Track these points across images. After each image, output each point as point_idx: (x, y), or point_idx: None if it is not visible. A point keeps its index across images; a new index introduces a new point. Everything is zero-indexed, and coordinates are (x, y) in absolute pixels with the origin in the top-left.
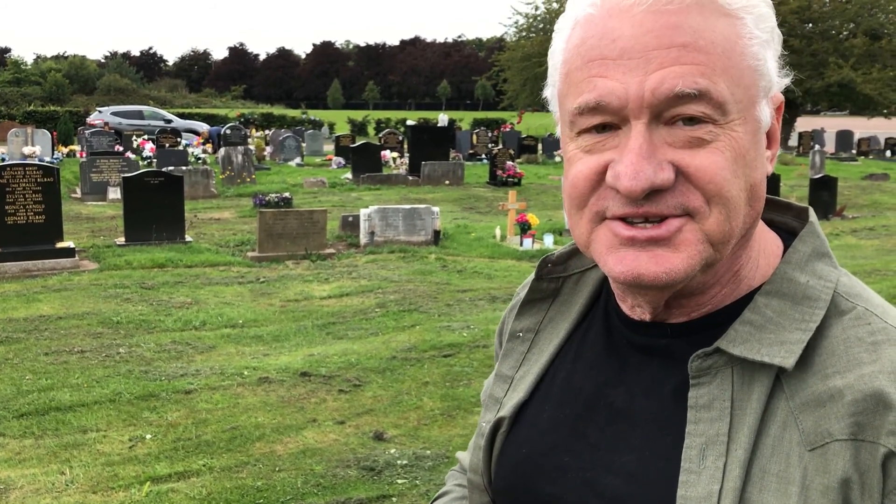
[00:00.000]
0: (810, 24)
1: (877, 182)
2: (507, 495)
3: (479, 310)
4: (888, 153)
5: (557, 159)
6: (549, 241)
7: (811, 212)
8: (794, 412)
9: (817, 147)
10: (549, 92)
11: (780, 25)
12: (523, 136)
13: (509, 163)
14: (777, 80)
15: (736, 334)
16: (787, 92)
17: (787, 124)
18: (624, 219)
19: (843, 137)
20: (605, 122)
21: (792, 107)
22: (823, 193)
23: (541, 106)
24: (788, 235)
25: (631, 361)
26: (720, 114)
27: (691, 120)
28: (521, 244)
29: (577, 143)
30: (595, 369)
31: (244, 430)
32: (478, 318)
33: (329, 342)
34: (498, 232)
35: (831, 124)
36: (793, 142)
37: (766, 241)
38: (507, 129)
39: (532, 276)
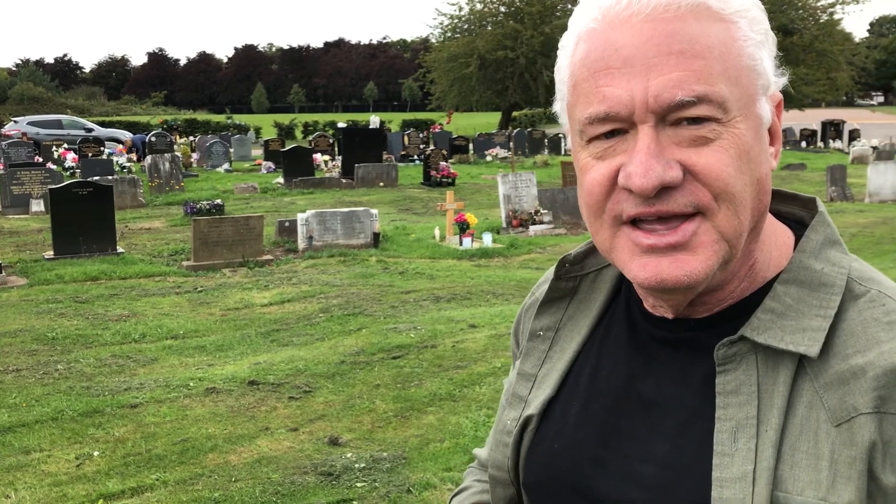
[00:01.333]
0: None
1: (795, 172)
2: (541, 490)
3: (424, 310)
4: (804, 144)
5: (489, 159)
6: (488, 239)
7: (818, 201)
8: (819, 392)
9: None
10: (559, 106)
11: None
12: (454, 136)
13: (443, 163)
14: (774, 79)
15: (759, 322)
16: None
17: None
18: (640, 222)
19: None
20: (614, 128)
21: None
22: None
23: (469, 106)
24: (797, 225)
25: (657, 355)
26: (722, 112)
27: (695, 120)
28: (461, 244)
29: (588, 150)
30: (622, 364)
31: (195, 442)
32: (424, 318)
33: (274, 349)
34: (437, 232)
35: None
36: None
37: (777, 233)
38: (438, 130)
39: (548, 274)
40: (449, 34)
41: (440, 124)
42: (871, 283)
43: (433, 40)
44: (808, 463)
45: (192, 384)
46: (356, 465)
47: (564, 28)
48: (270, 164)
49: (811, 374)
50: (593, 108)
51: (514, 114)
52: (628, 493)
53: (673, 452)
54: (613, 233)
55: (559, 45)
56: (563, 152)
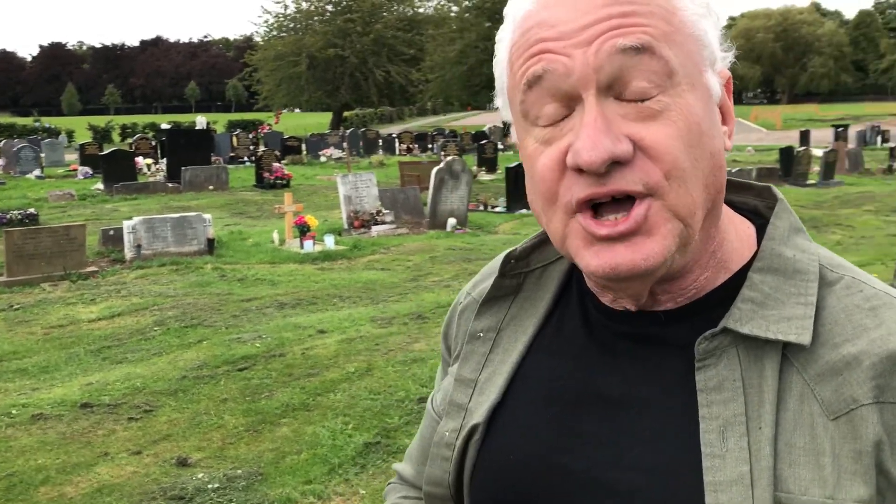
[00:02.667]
0: None
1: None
2: None
3: (268, 318)
4: None
5: (323, 159)
6: (330, 241)
7: (774, 189)
8: (810, 384)
9: None
10: (500, 101)
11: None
12: (286, 136)
13: (276, 164)
14: (721, 54)
15: (741, 313)
16: None
17: None
18: (592, 204)
19: None
20: (558, 109)
21: None
22: None
23: (299, 106)
24: (753, 215)
25: (622, 351)
26: (667, 77)
27: (642, 97)
28: (303, 247)
29: (533, 135)
30: (580, 363)
31: (24, 476)
32: (269, 326)
33: (107, 368)
34: (276, 236)
35: None
36: None
37: (736, 224)
38: (267, 131)
39: (484, 273)
40: (275, 33)
41: (269, 125)
42: (841, 269)
43: (258, 39)
44: (808, 460)
45: (14, 412)
46: (209, 486)
47: (395, 27)
48: (87, 169)
49: (798, 365)
50: (531, 70)
51: (346, 114)
52: (603, 502)
53: (653, 456)
54: (566, 221)
55: (496, 38)
56: (397, 152)
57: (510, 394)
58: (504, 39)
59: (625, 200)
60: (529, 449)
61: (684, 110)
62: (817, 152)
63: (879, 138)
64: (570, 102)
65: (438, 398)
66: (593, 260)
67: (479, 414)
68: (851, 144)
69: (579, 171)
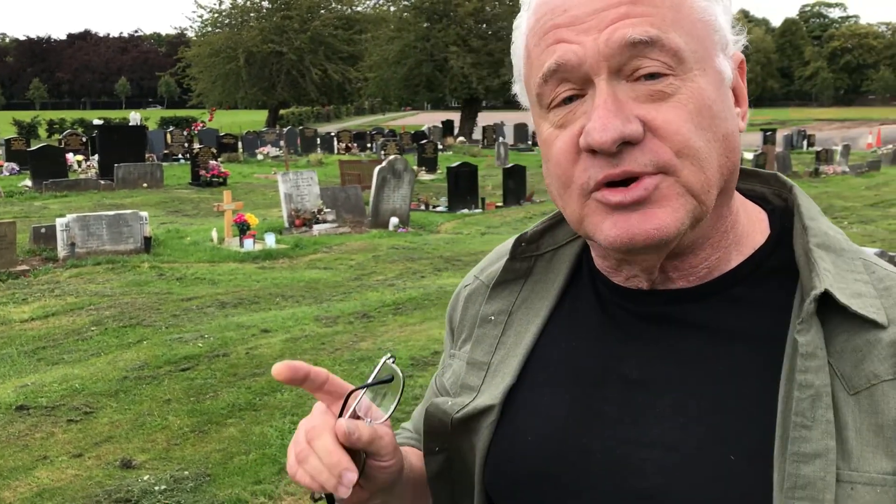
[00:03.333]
0: (485, 25)
1: None
2: (514, 490)
3: (209, 318)
4: None
5: (260, 157)
6: (271, 240)
7: (782, 176)
8: (830, 360)
9: (501, 139)
10: (518, 87)
11: (461, 26)
12: (222, 133)
13: (212, 162)
14: (732, 37)
15: (831, 280)
16: (470, 90)
17: (471, 119)
18: (607, 185)
19: (520, 130)
20: (571, 91)
21: (474, 102)
22: (513, 181)
23: (234, 103)
24: (762, 202)
25: (637, 331)
26: (677, 62)
27: (652, 76)
28: (242, 245)
29: (548, 120)
30: (597, 344)
31: None
32: (210, 326)
33: (43, 369)
34: (215, 235)
35: (510, 118)
36: (477, 135)
37: (748, 208)
38: (200, 128)
39: (491, 257)
40: (209, 28)
41: (202, 122)
42: (857, 251)
43: (192, 34)
44: (834, 433)
45: None
46: (156, 488)
47: (333, 24)
48: (14, 165)
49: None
50: (546, 64)
51: (282, 112)
52: (628, 482)
53: (677, 434)
54: (583, 202)
55: (513, 26)
56: (336, 151)
57: (525, 376)
58: (521, 27)
59: (635, 181)
60: (547, 430)
61: (695, 93)
62: (747, 155)
63: (805, 142)
64: (584, 85)
65: (447, 379)
66: (611, 231)
67: (491, 395)
68: (779, 148)
69: (593, 152)
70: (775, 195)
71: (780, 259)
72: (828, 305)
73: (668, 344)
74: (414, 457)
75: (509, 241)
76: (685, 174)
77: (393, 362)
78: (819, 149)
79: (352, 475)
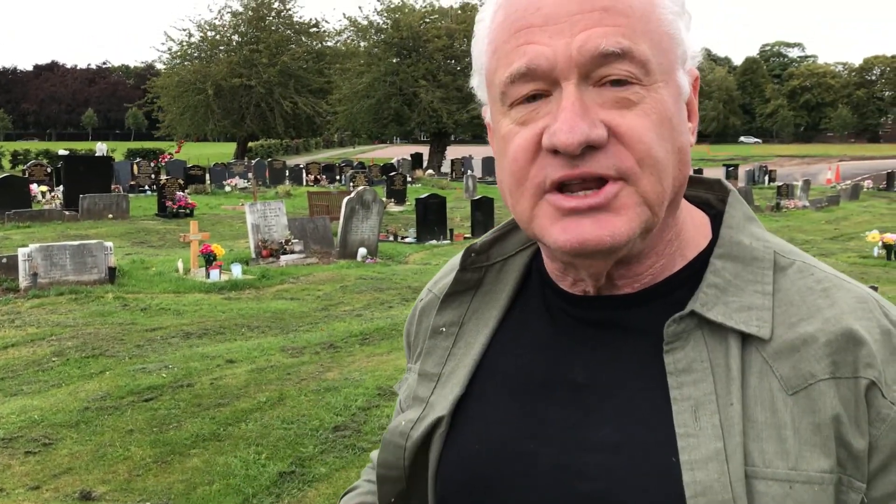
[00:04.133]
0: (453, 61)
1: None
2: (463, 498)
3: (174, 348)
4: None
5: (228, 189)
6: (237, 271)
7: (725, 182)
8: (769, 361)
9: (469, 172)
10: (476, 80)
11: (430, 61)
12: (190, 165)
13: (179, 193)
14: (692, 53)
15: (706, 297)
16: (439, 123)
17: (439, 152)
18: (563, 187)
19: (489, 163)
20: (537, 89)
21: (443, 136)
22: (481, 213)
23: (203, 135)
24: (706, 207)
25: (583, 337)
26: (644, 73)
27: (618, 82)
28: (209, 276)
29: (510, 117)
30: (544, 351)
31: None
32: (175, 356)
33: (1, 400)
34: (181, 265)
35: (478, 151)
36: (446, 168)
37: (693, 214)
38: (168, 159)
39: (445, 270)
40: (178, 60)
41: (170, 153)
42: (792, 254)
43: (161, 66)
44: (771, 434)
45: None
46: None
47: (302, 59)
48: None
49: (757, 344)
50: (514, 65)
51: (251, 144)
52: (572, 486)
53: (620, 436)
54: (534, 202)
55: (476, 19)
56: (304, 183)
57: (474, 386)
58: (485, 20)
59: (593, 183)
60: (495, 438)
61: (658, 104)
62: None
63: (767, 178)
64: (550, 86)
65: (402, 395)
66: (561, 235)
67: (442, 407)
68: (741, 183)
69: (554, 152)
70: (719, 201)
71: None
72: None
73: (612, 348)
74: None
75: (460, 254)
76: (644, 184)
77: None
78: (780, 184)
79: None
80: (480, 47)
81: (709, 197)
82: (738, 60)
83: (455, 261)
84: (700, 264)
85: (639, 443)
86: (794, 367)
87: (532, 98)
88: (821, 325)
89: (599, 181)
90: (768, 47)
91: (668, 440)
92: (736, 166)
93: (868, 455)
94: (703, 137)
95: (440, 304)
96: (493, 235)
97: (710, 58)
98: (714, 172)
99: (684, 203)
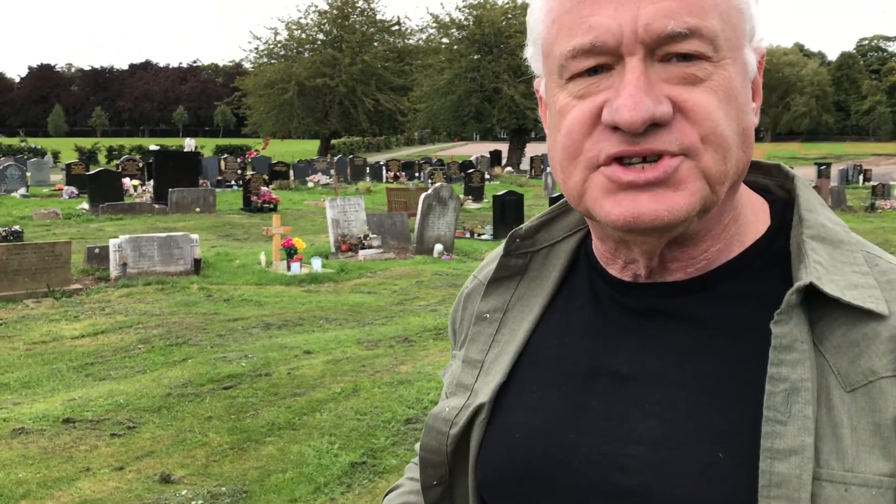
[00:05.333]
0: None
1: None
2: (503, 487)
3: (254, 338)
4: None
5: (310, 185)
6: (317, 264)
7: (785, 167)
8: (826, 355)
9: (548, 169)
10: (531, 50)
11: (513, 57)
12: (274, 161)
13: (264, 188)
14: (760, 28)
15: (818, 273)
16: (520, 119)
17: (519, 149)
18: (620, 160)
19: None
20: (599, 63)
21: (523, 133)
22: None
23: (288, 133)
24: (765, 193)
25: (630, 326)
26: (713, 49)
27: (685, 57)
28: (289, 269)
29: (567, 90)
30: (589, 340)
31: (4, 489)
32: (254, 346)
33: (90, 384)
34: (263, 258)
35: None
36: (525, 165)
37: (752, 199)
38: (254, 156)
39: (492, 256)
40: (264, 60)
41: (256, 150)
42: (860, 244)
43: (248, 65)
44: (826, 432)
45: None
46: (193, 503)
47: (384, 57)
48: (73, 188)
49: (815, 334)
50: (578, 40)
51: (334, 141)
52: (613, 479)
53: (663, 430)
54: (586, 175)
55: None
56: (384, 180)
57: (516, 373)
58: None
59: (653, 158)
60: (536, 426)
61: (725, 81)
62: None
63: (861, 177)
64: (613, 60)
65: (446, 381)
66: (614, 209)
67: (484, 394)
68: (834, 182)
69: (614, 128)
70: (778, 186)
71: (778, 251)
72: (823, 300)
73: (661, 338)
74: None
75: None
76: (706, 159)
77: None
78: (875, 183)
79: None
80: (537, 15)
81: (767, 182)
82: (832, 55)
83: (501, 247)
84: (757, 251)
85: (683, 438)
86: (853, 362)
87: (592, 71)
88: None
89: (658, 155)
90: (866, 41)
91: (715, 435)
92: (829, 165)
93: None
94: (794, 135)
95: (485, 290)
96: (539, 220)
97: (803, 52)
98: (805, 171)
99: (743, 187)
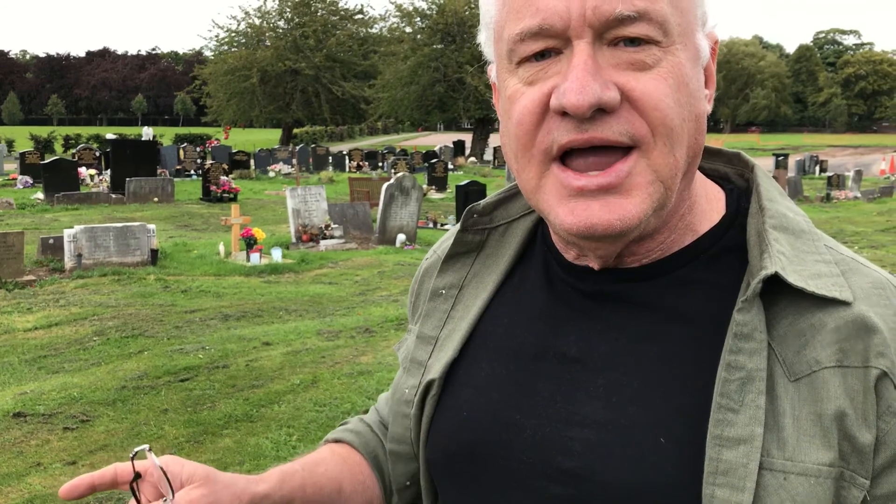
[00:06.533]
0: None
1: None
2: (449, 465)
3: (212, 330)
4: None
5: (272, 174)
6: (277, 255)
7: (745, 155)
8: (772, 344)
9: None
10: (483, 35)
11: (477, 46)
12: (235, 150)
13: (224, 178)
14: (713, 14)
15: (783, 263)
16: (484, 109)
17: (482, 139)
18: (571, 159)
19: None
20: (547, 47)
21: (487, 123)
22: None
23: (249, 121)
24: (723, 182)
25: (581, 309)
26: (662, 34)
27: (634, 41)
28: (248, 259)
29: (517, 75)
30: (539, 320)
31: None
32: (212, 338)
33: (43, 377)
34: (222, 248)
35: None
36: (488, 156)
37: (707, 187)
38: (215, 145)
39: (451, 231)
40: (226, 47)
41: (217, 139)
42: (818, 236)
43: (209, 53)
44: (770, 421)
45: None
46: None
47: (346, 44)
48: (28, 178)
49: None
50: (525, 22)
51: (296, 131)
52: (555, 461)
53: (607, 413)
54: (542, 171)
55: None
56: (347, 169)
57: (468, 350)
58: None
59: (604, 155)
60: (482, 405)
61: (675, 68)
62: None
63: (818, 168)
64: (562, 44)
65: (401, 356)
66: (568, 217)
67: (436, 370)
68: (791, 173)
69: (562, 114)
70: (738, 175)
71: (733, 240)
72: (776, 289)
73: (610, 322)
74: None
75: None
76: (656, 155)
77: (149, 450)
78: (831, 174)
79: None
80: (488, 1)
81: (728, 171)
82: (790, 48)
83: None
84: (711, 239)
85: (626, 421)
86: (799, 352)
87: (541, 55)
88: (830, 311)
89: (607, 152)
90: (822, 34)
91: (659, 420)
92: (786, 156)
93: (874, 450)
94: (752, 126)
95: (441, 266)
96: (498, 197)
97: (762, 45)
98: (763, 162)
99: (700, 176)
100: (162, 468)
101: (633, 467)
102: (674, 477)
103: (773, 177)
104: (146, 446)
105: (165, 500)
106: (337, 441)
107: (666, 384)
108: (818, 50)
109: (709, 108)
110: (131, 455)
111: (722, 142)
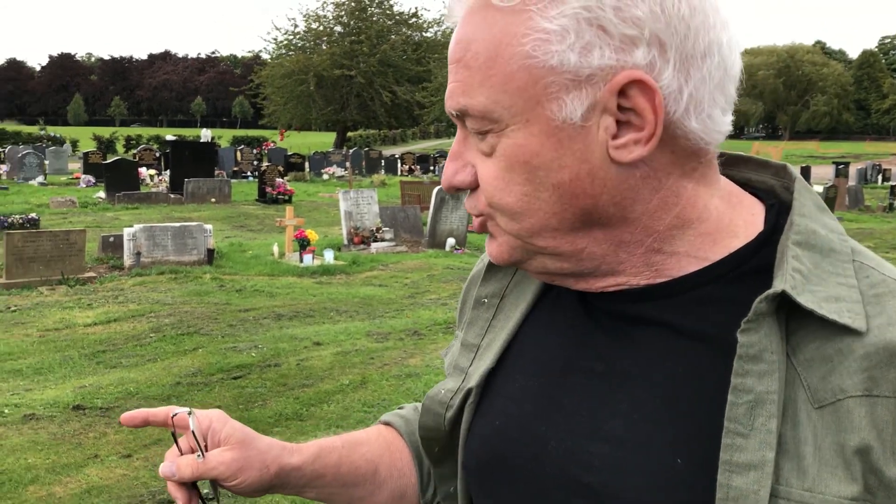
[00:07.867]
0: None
1: None
2: (481, 471)
3: (265, 329)
4: None
5: (325, 177)
6: (329, 256)
7: (791, 168)
8: (798, 368)
9: None
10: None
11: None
12: (290, 153)
13: (279, 180)
14: (606, 63)
15: (794, 282)
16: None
17: None
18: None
19: None
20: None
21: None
22: None
23: (307, 124)
24: (769, 195)
25: (609, 326)
26: (489, 122)
27: (479, 132)
28: (301, 260)
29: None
30: (570, 333)
31: (13, 474)
32: (265, 337)
33: (101, 372)
34: (276, 249)
35: None
36: None
37: (738, 205)
38: (271, 147)
39: None
40: (283, 51)
41: (273, 141)
42: (855, 254)
43: (266, 56)
44: (790, 448)
45: (6, 411)
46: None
47: (400, 49)
48: (90, 177)
49: (790, 346)
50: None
51: (349, 134)
52: (575, 475)
53: (627, 430)
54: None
55: None
56: (399, 173)
57: (505, 360)
58: None
59: None
60: (513, 416)
61: (510, 150)
62: (818, 188)
63: (880, 177)
64: None
65: (447, 361)
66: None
67: (475, 378)
68: (852, 182)
69: None
70: (784, 188)
71: (765, 259)
72: (801, 310)
73: (635, 340)
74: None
75: None
76: (500, 220)
77: (189, 414)
78: (894, 183)
79: None
80: None
81: (774, 184)
82: (853, 54)
83: None
84: (738, 259)
85: (645, 439)
86: (824, 378)
87: None
88: (861, 336)
89: None
90: (888, 39)
91: (676, 440)
92: (847, 164)
93: None
94: (813, 134)
95: (484, 275)
96: None
97: (824, 51)
98: (823, 170)
99: (738, 192)
100: (194, 432)
101: (649, 486)
102: (688, 499)
103: (833, 185)
104: (187, 410)
105: (198, 455)
106: (387, 424)
107: (686, 403)
108: (883, 56)
109: (624, 156)
110: (172, 415)
111: (780, 148)
